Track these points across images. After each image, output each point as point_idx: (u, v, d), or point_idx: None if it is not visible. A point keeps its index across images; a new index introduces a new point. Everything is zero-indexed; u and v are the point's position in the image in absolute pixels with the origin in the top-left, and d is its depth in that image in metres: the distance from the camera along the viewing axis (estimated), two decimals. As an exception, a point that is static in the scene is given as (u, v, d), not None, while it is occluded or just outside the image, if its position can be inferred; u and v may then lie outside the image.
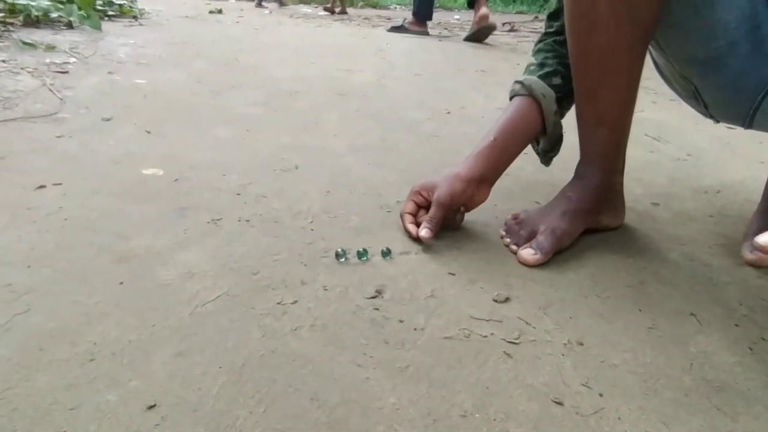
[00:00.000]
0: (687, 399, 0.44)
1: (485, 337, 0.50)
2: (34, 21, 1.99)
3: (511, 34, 3.73)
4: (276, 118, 1.18)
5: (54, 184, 0.75)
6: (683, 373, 0.47)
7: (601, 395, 0.44)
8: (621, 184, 0.73)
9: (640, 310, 0.56)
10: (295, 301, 0.53)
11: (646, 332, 0.52)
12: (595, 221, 0.70)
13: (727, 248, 0.71)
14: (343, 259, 0.61)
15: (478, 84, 1.77)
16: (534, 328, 0.52)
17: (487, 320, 0.53)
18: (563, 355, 0.48)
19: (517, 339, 0.50)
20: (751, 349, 0.51)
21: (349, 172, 0.89)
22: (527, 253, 0.63)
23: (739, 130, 0.75)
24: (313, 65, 1.88)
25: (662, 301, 0.58)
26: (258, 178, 0.84)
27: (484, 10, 2.84)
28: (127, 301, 0.51)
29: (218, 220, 0.69)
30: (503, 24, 3.98)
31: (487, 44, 2.89)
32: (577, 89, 0.65)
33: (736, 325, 0.54)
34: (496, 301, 0.56)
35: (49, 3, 2.04)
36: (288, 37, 2.68)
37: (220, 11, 3.81)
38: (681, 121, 1.38)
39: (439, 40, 2.96)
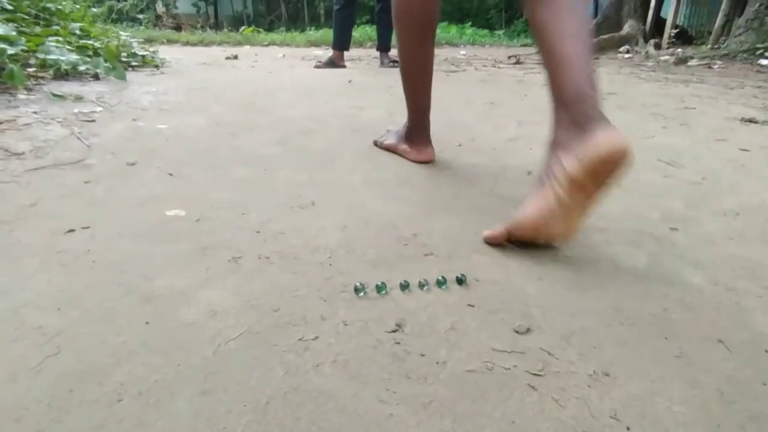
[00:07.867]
0: (719, 430, 0.43)
1: (508, 369, 0.50)
2: (63, 74, 2.11)
3: (517, 66, 3.82)
4: (292, 157, 1.22)
5: (82, 228, 0.78)
6: (714, 403, 0.46)
7: (628, 429, 0.43)
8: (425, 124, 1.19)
9: (665, 338, 0.55)
10: (316, 337, 0.54)
11: (673, 361, 0.51)
12: (404, 149, 1.22)
13: (751, 271, 0.70)
14: (362, 294, 0.62)
15: (486, 116, 1.80)
16: (557, 359, 0.51)
17: (509, 352, 0.52)
18: (589, 386, 0.47)
19: (540, 371, 0.49)
20: (785, 376, 0.49)
21: (364, 207, 0.91)
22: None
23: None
24: (326, 104, 1.95)
25: (688, 327, 0.57)
26: (276, 215, 0.86)
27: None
28: (153, 341, 0.53)
29: (239, 258, 0.71)
30: (509, 57, 4.07)
31: (494, 77, 2.95)
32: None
33: (766, 351, 0.53)
34: (517, 332, 0.55)
35: (78, 57, 2.17)
36: (301, 79, 2.78)
37: (236, 57, 3.99)
38: (693, 145, 1.38)
39: (447, 75, 3.03)
